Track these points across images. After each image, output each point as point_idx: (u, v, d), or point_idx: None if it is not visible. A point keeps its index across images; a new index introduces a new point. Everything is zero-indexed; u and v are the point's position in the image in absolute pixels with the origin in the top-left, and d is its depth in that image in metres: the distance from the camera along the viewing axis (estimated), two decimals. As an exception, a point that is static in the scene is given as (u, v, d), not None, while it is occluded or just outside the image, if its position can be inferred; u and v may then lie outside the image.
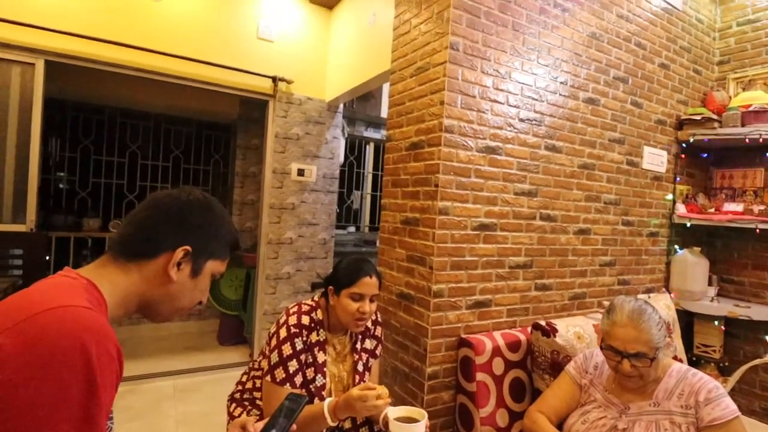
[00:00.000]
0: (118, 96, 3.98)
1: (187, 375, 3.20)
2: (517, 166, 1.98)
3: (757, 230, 2.45)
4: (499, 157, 1.93)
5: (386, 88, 4.21)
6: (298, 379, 1.32)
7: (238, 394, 1.51)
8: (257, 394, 1.46)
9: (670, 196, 2.67)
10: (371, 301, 1.38)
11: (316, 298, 1.47)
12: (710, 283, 2.66)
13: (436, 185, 1.79)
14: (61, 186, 4.26)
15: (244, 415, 1.43)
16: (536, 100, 2.04)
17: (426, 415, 1.20)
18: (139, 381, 3.01)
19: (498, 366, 1.81)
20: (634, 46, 2.41)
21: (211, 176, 4.78)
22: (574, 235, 2.21)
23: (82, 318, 0.63)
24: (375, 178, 5.15)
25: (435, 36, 1.86)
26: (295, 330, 1.34)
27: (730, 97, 2.72)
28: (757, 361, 2.33)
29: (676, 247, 2.70)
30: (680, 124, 2.68)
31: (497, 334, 1.88)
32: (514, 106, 1.97)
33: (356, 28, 3.10)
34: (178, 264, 0.79)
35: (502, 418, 1.76)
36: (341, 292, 1.37)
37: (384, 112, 4.88)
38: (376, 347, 1.54)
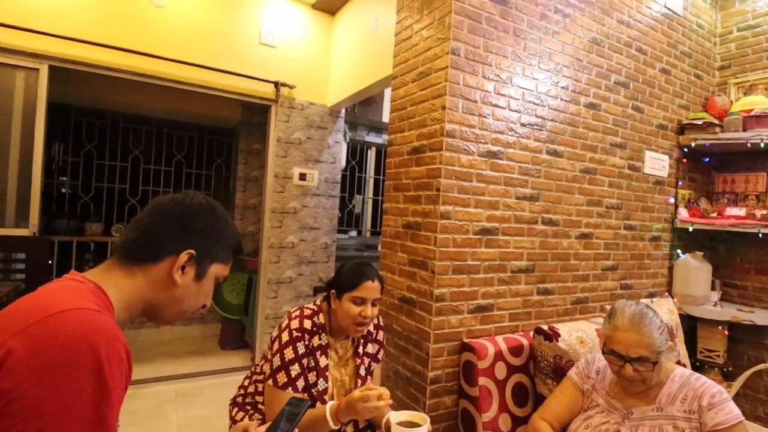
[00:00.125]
0: (121, 101, 4.01)
1: (189, 379, 3.20)
2: (519, 170, 1.99)
3: (760, 235, 2.45)
4: (500, 162, 1.93)
5: (388, 92, 4.22)
6: (300, 383, 1.32)
7: (240, 398, 1.51)
8: (259, 398, 1.46)
9: (672, 200, 2.67)
10: (373, 305, 1.38)
11: (318, 302, 1.47)
12: (713, 288, 2.65)
13: (438, 189, 1.79)
14: (63, 190, 4.28)
15: (246, 419, 1.43)
16: (537, 104, 2.04)
17: (428, 420, 1.20)
18: (141, 385, 3.00)
19: (500, 370, 1.80)
20: (635, 52, 2.42)
21: (213, 180, 4.80)
22: (576, 240, 2.21)
23: (92, 321, 0.64)
24: (376, 182, 5.16)
25: (436, 41, 1.87)
26: (297, 334, 1.34)
27: (732, 102, 2.72)
28: (760, 366, 2.32)
29: (679, 251, 2.69)
30: (682, 129, 2.69)
31: (500, 339, 1.88)
32: (516, 111, 1.97)
33: (358, 33, 3.11)
34: (182, 268, 0.80)
35: (504, 423, 1.75)
36: (343, 296, 1.37)
37: (386, 117, 4.89)
38: (378, 351, 1.54)
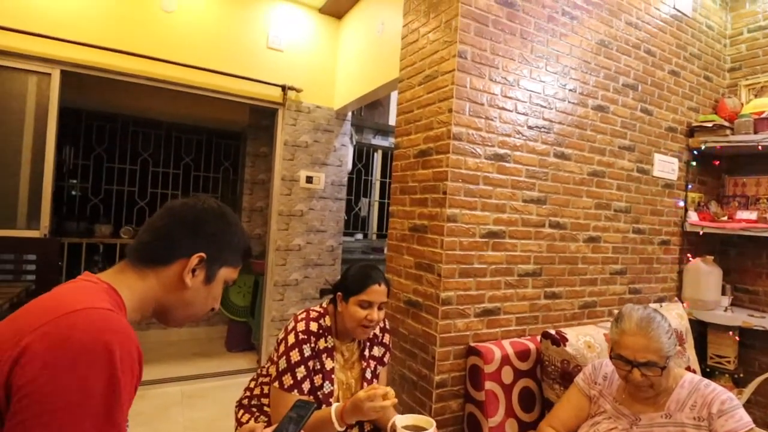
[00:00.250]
0: (131, 105, 4.06)
1: (195, 381, 3.22)
2: (526, 173, 1.98)
3: (772, 239, 2.41)
4: (507, 165, 1.92)
5: (394, 96, 4.23)
6: (306, 386, 1.32)
7: (246, 400, 1.51)
8: (265, 401, 1.46)
9: (681, 204, 2.64)
10: (379, 308, 1.38)
11: (324, 305, 1.47)
12: (724, 293, 2.62)
13: (445, 192, 1.79)
14: (74, 193, 4.33)
15: (251, 421, 1.44)
16: (545, 107, 2.03)
17: (434, 424, 1.19)
18: (147, 387, 3.02)
19: (507, 375, 1.79)
20: (644, 53, 2.41)
21: (220, 183, 4.83)
22: (584, 243, 2.19)
23: (106, 319, 0.65)
24: (383, 185, 5.16)
25: (443, 44, 1.87)
26: (303, 336, 1.34)
27: (742, 104, 2.69)
28: (773, 373, 2.28)
29: (689, 255, 2.66)
30: (691, 132, 2.66)
31: (506, 343, 1.86)
32: (523, 114, 1.97)
33: (365, 37, 3.13)
34: (193, 270, 0.81)
35: (511, 428, 1.74)
36: (349, 300, 1.37)
37: (392, 120, 4.90)
38: (384, 354, 1.53)
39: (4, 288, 2.39)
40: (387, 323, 1.59)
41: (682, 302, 2.46)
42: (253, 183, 4.28)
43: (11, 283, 2.54)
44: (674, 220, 2.61)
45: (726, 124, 2.55)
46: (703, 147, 2.58)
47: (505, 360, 1.79)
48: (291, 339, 1.34)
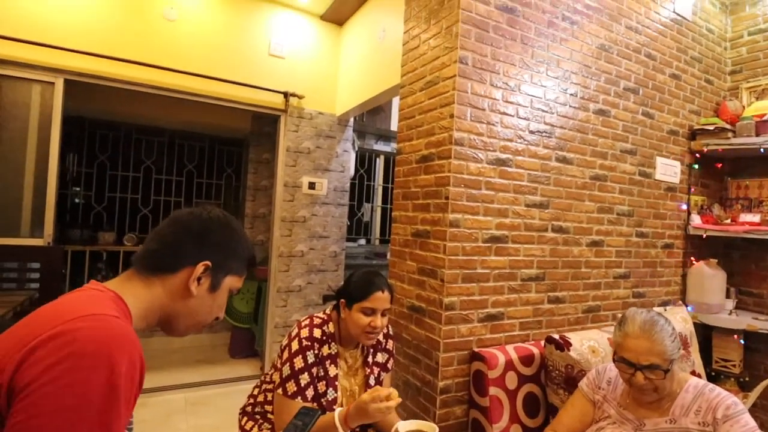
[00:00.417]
0: (134, 113, 4.08)
1: (199, 388, 3.21)
2: (528, 177, 1.98)
3: (776, 241, 2.40)
4: (509, 169, 1.93)
5: (396, 101, 4.25)
6: (310, 393, 1.31)
7: (250, 407, 1.51)
8: (268, 408, 1.46)
9: (684, 207, 2.63)
10: (383, 315, 1.38)
11: (328, 311, 1.47)
12: (728, 296, 2.60)
13: (447, 197, 1.79)
14: (77, 200, 4.35)
15: (255, 428, 1.43)
16: (546, 112, 2.04)
17: (437, 430, 1.19)
18: (150, 394, 3.01)
19: (511, 380, 1.78)
20: (644, 57, 2.41)
21: (223, 190, 4.85)
22: (587, 247, 2.19)
23: (111, 326, 0.66)
24: (385, 190, 5.17)
25: (444, 50, 1.88)
26: (306, 343, 1.34)
27: (744, 107, 2.69)
28: (779, 376, 2.26)
29: (692, 258, 2.65)
30: (693, 135, 2.66)
31: (510, 348, 1.86)
32: (524, 119, 1.97)
33: (366, 43, 3.14)
34: (198, 278, 0.82)
35: (516, 434, 1.73)
36: (353, 306, 1.37)
37: (394, 126, 4.92)
38: (387, 361, 1.53)
39: (8, 296, 2.39)
40: (390, 329, 1.59)
41: (687, 306, 2.45)
42: (256, 189, 4.29)
43: (15, 291, 2.55)
44: (677, 223, 2.60)
45: (728, 126, 2.55)
46: (705, 150, 2.58)
47: (509, 365, 1.79)
48: (294, 346, 1.34)
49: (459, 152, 1.80)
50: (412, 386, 1.93)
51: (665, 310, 2.16)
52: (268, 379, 1.49)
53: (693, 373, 2.02)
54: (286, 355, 1.34)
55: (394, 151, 2.28)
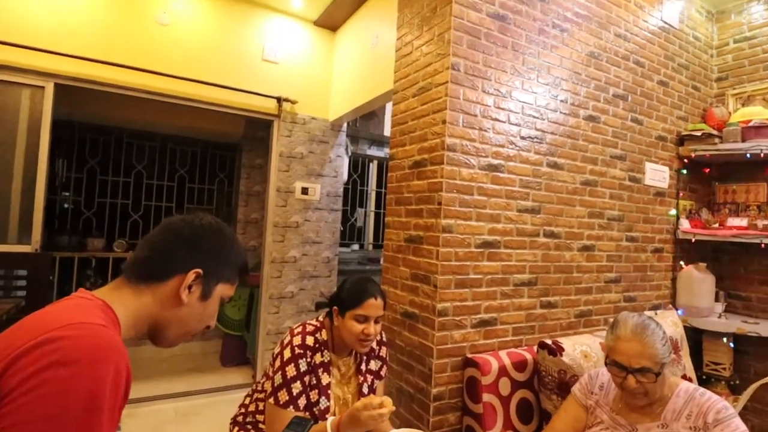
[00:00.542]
0: (125, 117, 4.04)
1: (189, 397, 3.16)
2: (520, 183, 1.99)
3: (763, 245, 2.44)
4: (501, 175, 1.94)
5: (389, 107, 4.26)
6: (302, 402, 1.30)
7: (241, 417, 1.49)
8: (260, 417, 1.44)
9: (673, 212, 2.66)
10: (376, 322, 1.37)
11: (320, 318, 1.46)
12: (717, 299, 2.63)
13: (440, 203, 1.79)
14: (66, 206, 4.29)
15: (247, 438, 1.41)
16: (537, 118, 2.06)
17: (432, 438, 1.18)
18: (140, 404, 2.96)
19: (504, 386, 1.78)
20: (633, 64, 2.45)
21: (215, 195, 4.81)
22: (578, 252, 2.20)
23: (97, 334, 0.65)
24: (378, 195, 5.17)
25: (436, 57, 1.89)
26: (299, 351, 1.33)
27: (730, 113, 2.74)
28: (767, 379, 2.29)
29: (682, 263, 2.68)
30: (681, 140, 2.70)
31: (503, 354, 1.86)
32: (516, 125, 1.99)
33: (359, 49, 3.15)
34: (189, 287, 0.81)
35: (509, 440, 1.72)
36: (346, 314, 1.36)
37: (387, 131, 4.93)
38: (381, 368, 1.52)
39: (-5, 304, 2.35)
40: (384, 336, 1.58)
41: (677, 309, 2.47)
42: (249, 195, 4.27)
43: (1, 299, 2.50)
44: (666, 227, 2.63)
45: (715, 132, 2.59)
46: (692, 155, 2.62)
47: (503, 371, 1.79)
48: (287, 353, 1.32)
49: (451, 158, 1.80)
50: (405, 393, 1.93)
51: (656, 313, 2.18)
52: (259, 388, 1.48)
53: (684, 377, 2.03)
54: (278, 363, 1.32)
55: (387, 157, 2.28)
